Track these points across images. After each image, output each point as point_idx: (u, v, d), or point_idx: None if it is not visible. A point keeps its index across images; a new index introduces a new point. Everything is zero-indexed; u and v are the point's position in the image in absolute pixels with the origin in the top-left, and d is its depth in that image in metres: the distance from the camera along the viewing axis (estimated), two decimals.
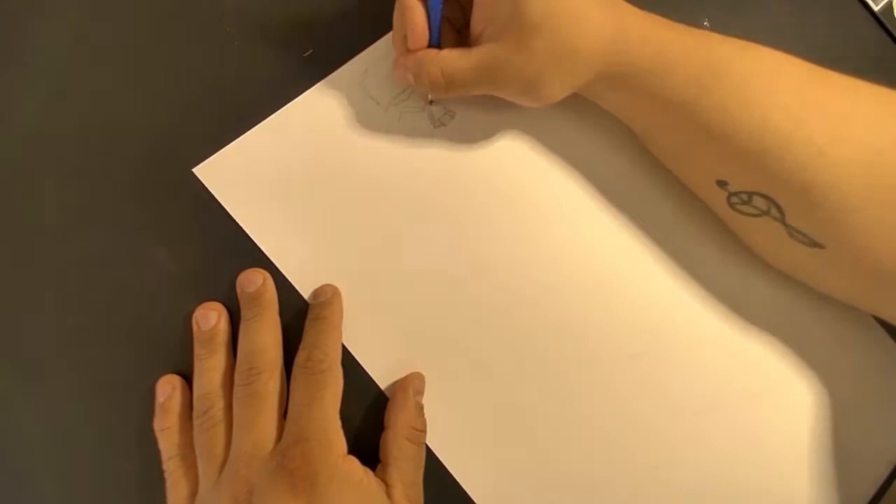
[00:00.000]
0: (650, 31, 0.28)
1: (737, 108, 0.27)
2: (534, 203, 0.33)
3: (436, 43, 0.30)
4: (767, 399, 0.32)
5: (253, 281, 0.30)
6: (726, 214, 0.31)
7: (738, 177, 0.28)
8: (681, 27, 0.29)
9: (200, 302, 0.30)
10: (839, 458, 0.32)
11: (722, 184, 0.29)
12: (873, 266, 0.27)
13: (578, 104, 0.32)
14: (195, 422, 0.28)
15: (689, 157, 0.31)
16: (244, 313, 0.29)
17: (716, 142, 0.28)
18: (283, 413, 0.28)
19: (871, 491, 0.32)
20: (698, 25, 0.37)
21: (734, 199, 0.29)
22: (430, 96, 0.33)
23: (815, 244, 0.28)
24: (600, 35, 0.28)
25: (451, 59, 0.29)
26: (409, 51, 0.30)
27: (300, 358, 0.28)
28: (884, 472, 0.32)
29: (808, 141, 0.26)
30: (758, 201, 0.28)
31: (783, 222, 0.28)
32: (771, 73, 0.27)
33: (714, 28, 0.37)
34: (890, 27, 0.38)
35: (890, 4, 0.38)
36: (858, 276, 0.28)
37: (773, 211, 0.28)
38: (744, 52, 0.28)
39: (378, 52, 0.34)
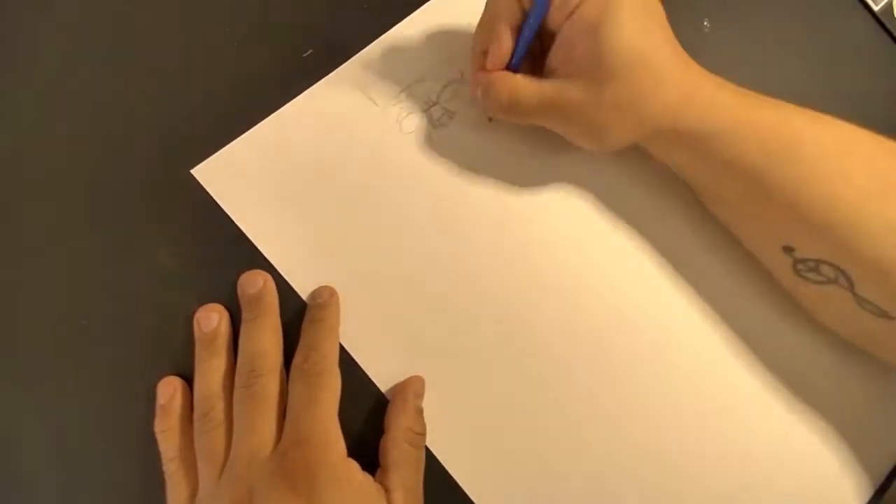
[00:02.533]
0: (722, 96, 0.28)
1: (807, 178, 0.27)
2: (534, 202, 0.33)
3: (515, 67, 0.30)
4: (767, 400, 0.32)
5: (254, 283, 0.30)
6: (791, 281, 0.30)
7: (806, 244, 0.28)
8: (752, 95, 0.28)
9: (200, 302, 0.30)
10: (839, 458, 0.32)
11: (788, 250, 0.29)
12: None
13: None
14: (196, 424, 0.28)
15: (754, 222, 0.30)
16: (245, 315, 0.29)
17: (784, 210, 0.28)
18: (284, 415, 0.28)
19: (871, 491, 0.32)
20: (699, 25, 0.37)
21: (800, 266, 0.29)
22: (490, 115, 0.33)
23: (885, 315, 0.28)
24: (673, 93, 0.28)
25: (522, 84, 0.29)
26: (484, 68, 0.30)
27: (297, 360, 0.28)
28: (884, 472, 0.32)
29: (879, 215, 0.26)
30: (825, 269, 0.28)
31: (852, 291, 0.28)
32: (842, 145, 0.27)
33: (714, 28, 0.37)
34: (890, 27, 0.38)
35: (890, 4, 0.38)
36: None
37: (842, 280, 0.28)
38: (815, 122, 0.27)
39: (377, 53, 0.34)
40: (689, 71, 0.28)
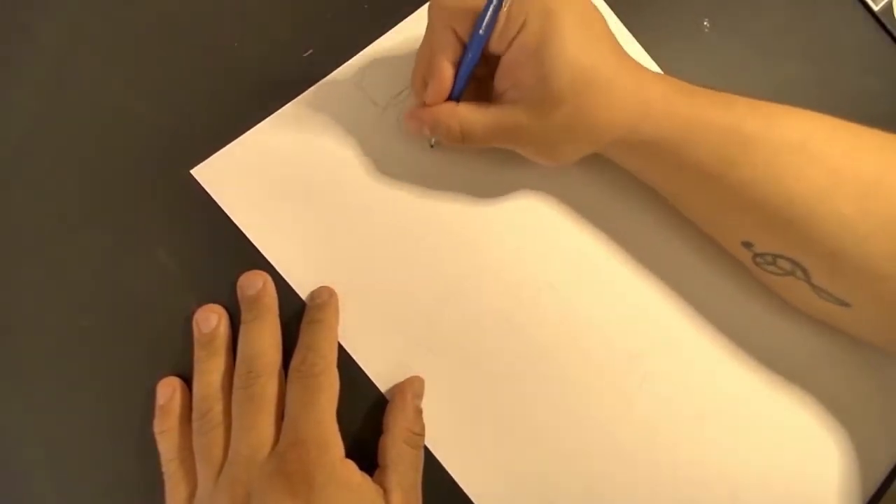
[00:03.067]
0: (672, 103, 0.28)
1: (761, 179, 0.27)
2: (533, 202, 0.33)
3: (456, 97, 0.30)
4: (767, 400, 0.32)
5: (253, 283, 0.30)
6: (752, 270, 0.31)
7: (764, 241, 0.29)
8: (705, 95, 0.28)
9: (199, 303, 0.30)
10: (839, 458, 0.32)
11: (747, 245, 0.29)
12: None
13: None
14: (194, 424, 0.28)
15: (713, 221, 0.31)
16: (244, 316, 0.29)
17: (740, 211, 0.28)
18: (282, 416, 0.28)
19: (871, 491, 0.32)
20: (699, 25, 0.37)
21: (759, 260, 0.30)
22: (433, 141, 0.32)
23: (842, 303, 0.28)
24: (623, 106, 0.28)
25: (470, 114, 0.29)
26: (426, 103, 0.30)
27: (296, 361, 0.28)
28: (884, 472, 0.32)
29: (834, 212, 0.26)
30: (782, 263, 0.29)
31: (809, 283, 0.28)
32: (798, 145, 0.27)
33: (714, 28, 0.37)
34: (890, 27, 0.38)
35: (890, 4, 0.38)
36: (886, 331, 0.29)
37: (798, 273, 0.28)
38: (769, 121, 0.27)
39: (376, 53, 0.34)
40: (639, 79, 0.28)
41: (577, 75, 0.26)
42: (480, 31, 0.27)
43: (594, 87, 0.27)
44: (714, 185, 0.28)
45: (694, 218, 0.32)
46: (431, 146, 0.33)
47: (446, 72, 0.29)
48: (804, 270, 0.28)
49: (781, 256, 0.28)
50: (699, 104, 0.28)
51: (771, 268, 0.29)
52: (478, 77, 0.30)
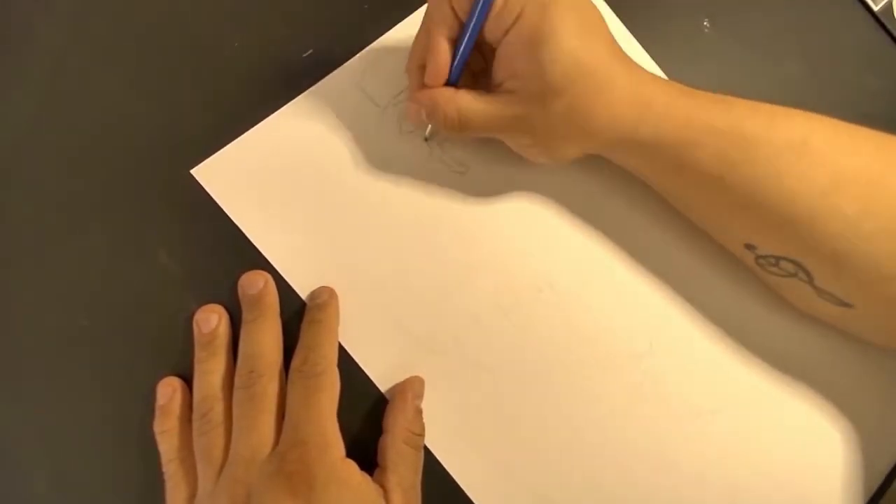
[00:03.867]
0: (672, 104, 0.28)
1: (762, 179, 0.27)
2: (533, 203, 0.33)
3: (454, 81, 0.29)
4: (766, 400, 0.32)
5: (254, 283, 0.30)
6: (754, 271, 0.31)
7: (766, 242, 0.29)
8: (704, 97, 0.28)
9: (200, 303, 0.30)
10: (839, 458, 0.32)
11: (749, 247, 0.29)
12: None
13: None
14: (195, 424, 0.28)
15: (715, 223, 0.31)
16: (245, 316, 0.29)
17: (742, 212, 0.28)
18: (283, 416, 0.28)
19: (872, 490, 0.32)
20: (699, 25, 0.37)
21: (762, 262, 0.30)
22: (427, 133, 0.32)
23: (844, 304, 0.28)
24: (620, 105, 0.27)
25: (469, 101, 0.29)
26: (424, 85, 0.29)
27: (296, 361, 0.28)
28: (884, 472, 0.32)
29: (837, 211, 0.26)
30: (785, 265, 0.29)
31: (811, 284, 0.28)
32: (799, 145, 0.27)
33: (714, 28, 0.37)
34: (890, 27, 0.38)
35: (890, 4, 0.38)
36: (889, 331, 0.29)
37: (801, 274, 0.28)
38: (770, 122, 0.27)
39: (376, 53, 0.34)
40: (638, 79, 0.28)
41: (573, 67, 0.26)
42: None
43: (591, 81, 0.27)
44: (715, 186, 0.28)
45: (696, 220, 0.32)
46: (426, 139, 0.33)
47: (444, 50, 0.28)
48: (807, 272, 0.28)
49: (784, 258, 0.28)
50: (699, 105, 0.28)
51: (774, 269, 0.29)
52: (474, 71, 0.30)
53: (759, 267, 0.30)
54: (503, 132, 0.30)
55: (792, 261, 0.28)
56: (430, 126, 0.32)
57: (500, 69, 0.28)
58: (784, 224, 0.27)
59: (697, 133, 0.27)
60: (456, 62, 0.29)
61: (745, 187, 0.27)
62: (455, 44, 0.28)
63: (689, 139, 0.27)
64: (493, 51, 0.28)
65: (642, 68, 0.29)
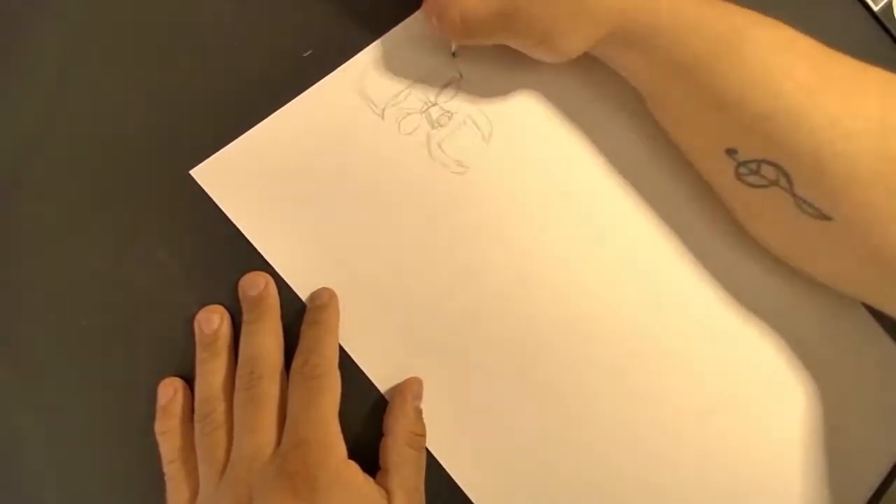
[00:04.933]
0: None
1: (751, 74, 0.27)
2: (532, 203, 0.33)
3: None
4: (767, 400, 0.32)
5: (255, 284, 0.30)
6: (732, 188, 0.31)
7: (748, 144, 0.28)
8: None
9: (200, 303, 0.30)
10: (839, 457, 0.32)
11: (731, 152, 0.29)
12: (876, 241, 0.27)
13: (577, 100, 0.32)
14: (196, 425, 0.28)
15: (699, 125, 0.31)
16: (246, 317, 0.29)
17: (728, 108, 0.28)
18: (285, 417, 0.28)
19: (871, 491, 0.32)
20: None
21: (742, 170, 0.29)
22: (453, 47, 0.33)
23: (823, 216, 0.28)
24: None
25: (471, 4, 0.29)
26: None
27: (297, 363, 0.28)
28: (884, 472, 0.32)
29: (820, 108, 0.26)
30: (766, 170, 0.28)
31: (791, 192, 0.28)
32: (787, 43, 0.28)
33: None
34: (890, 27, 0.38)
35: (890, 4, 0.38)
36: (864, 259, 0.28)
37: (782, 181, 0.28)
38: (760, 21, 0.28)
39: (377, 53, 0.34)
40: None
41: None
42: None
43: None
44: (703, 79, 0.28)
45: (680, 126, 0.32)
46: (453, 54, 0.33)
47: None
48: (787, 177, 0.28)
49: (765, 161, 0.28)
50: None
51: (754, 178, 0.29)
52: None
53: (738, 179, 0.30)
54: (507, 32, 0.30)
55: (773, 163, 0.28)
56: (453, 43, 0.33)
57: None
58: (768, 120, 0.27)
59: (688, 24, 0.28)
60: None
61: (730, 81, 0.28)
62: None
63: (682, 26, 0.28)
64: None
65: None
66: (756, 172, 0.29)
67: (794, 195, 0.28)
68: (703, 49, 0.28)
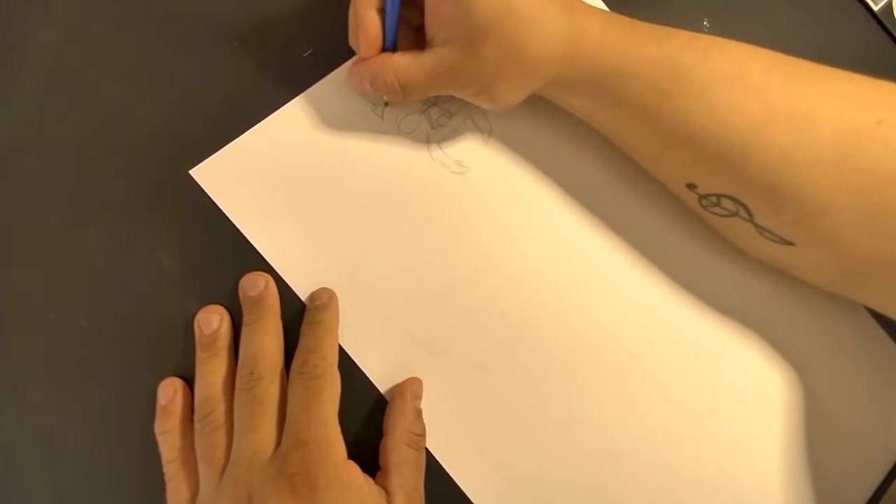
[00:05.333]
0: (608, 36, 0.28)
1: (699, 113, 0.27)
2: (532, 203, 0.33)
3: (391, 47, 0.30)
4: (767, 400, 0.32)
5: (255, 284, 0.30)
6: (700, 213, 0.31)
7: (706, 180, 0.28)
8: (641, 28, 0.28)
9: (200, 304, 0.30)
10: (839, 457, 0.32)
11: (691, 186, 0.29)
12: (843, 261, 0.27)
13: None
14: (196, 425, 0.28)
15: (657, 162, 0.31)
16: (246, 317, 0.29)
17: (680, 146, 0.28)
18: (285, 417, 0.28)
19: (871, 491, 0.32)
20: (699, 26, 0.37)
21: (704, 202, 0.29)
22: (385, 100, 0.32)
23: (786, 242, 0.28)
24: (553, 40, 0.27)
25: (405, 64, 0.29)
26: (360, 56, 0.30)
27: (296, 363, 0.28)
28: (884, 472, 0.32)
29: (771, 143, 0.26)
30: (726, 203, 0.28)
31: (753, 223, 0.28)
32: (733, 76, 0.27)
33: (714, 28, 0.37)
34: (890, 27, 0.38)
35: (890, 4, 0.38)
36: (831, 270, 0.29)
37: (742, 212, 0.28)
38: (706, 53, 0.27)
39: None
40: (570, 13, 0.28)
41: (497, 8, 0.26)
42: None
43: (518, 17, 0.26)
44: (653, 120, 0.28)
45: (639, 159, 0.32)
46: (385, 105, 0.33)
47: (371, 19, 0.28)
48: (747, 209, 0.28)
49: (724, 196, 0.28)
50: (636, 36, 0.28)
51: (716, 209, 0.29)
52: (415, 27, 0.30)
53: (702, 209, 0.30)
54: (445, 87, 0.30)
55: (732, 198, 0.28)
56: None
57: (431, 22, 0.28)
58: (720, 158, 0.27)
59: (633, 64, 0.27)
60: (387, 29, 0.29)
61: (680, 120, 0.27)
62: (383, 12, 0.29)
63: (624, 70, 0.27)
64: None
65: (580, 2, 0.29)
66: (717, 205, 0.29)
67: (755, 225, 0.28)
68: (649, 91, 0.27)
